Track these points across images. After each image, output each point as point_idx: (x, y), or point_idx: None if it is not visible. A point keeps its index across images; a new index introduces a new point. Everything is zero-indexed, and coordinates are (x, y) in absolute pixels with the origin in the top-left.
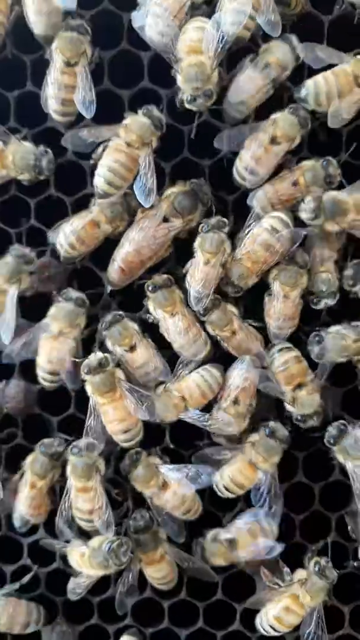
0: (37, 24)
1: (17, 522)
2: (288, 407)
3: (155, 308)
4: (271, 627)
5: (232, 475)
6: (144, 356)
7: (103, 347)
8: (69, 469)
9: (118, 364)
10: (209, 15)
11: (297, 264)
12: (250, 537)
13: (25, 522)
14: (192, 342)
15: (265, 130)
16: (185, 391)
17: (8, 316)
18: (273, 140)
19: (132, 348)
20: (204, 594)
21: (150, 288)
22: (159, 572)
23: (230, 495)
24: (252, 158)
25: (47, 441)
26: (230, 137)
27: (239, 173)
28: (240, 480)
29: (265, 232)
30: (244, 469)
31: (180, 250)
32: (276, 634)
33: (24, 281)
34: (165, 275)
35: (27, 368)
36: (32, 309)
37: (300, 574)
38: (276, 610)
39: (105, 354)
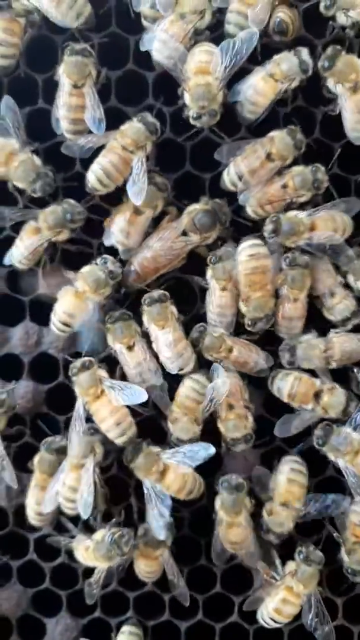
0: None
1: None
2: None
3: (148, 321)
4: (272, 619)
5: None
6: (139, 357)
7: None
8: (68, 446)
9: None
10: (212, 40)
11: (300, 266)
12: None
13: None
14: (178, 355)
15: (263, 145)
16: (180, 403)
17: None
18: (268, 156)
19: (130, 347)
20: (204, 587)
21: (146, 301)
22: (149, 567)
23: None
24: (247, 168)
25: (49, 439)
26: (230, 151)
27: (231, 178)
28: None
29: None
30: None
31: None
32: (278, 625)
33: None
34: (161, 291)
35: (36, 369)
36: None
37: (291, 565)
38: (274, 602)
39: (90, 358)
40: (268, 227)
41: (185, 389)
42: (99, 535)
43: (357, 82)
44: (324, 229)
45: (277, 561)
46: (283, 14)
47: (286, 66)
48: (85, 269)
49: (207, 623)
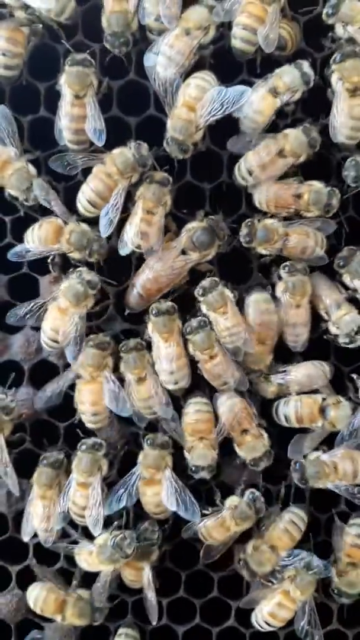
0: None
1: (27, 537)
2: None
3: (153, 331)
4: (266, 622)
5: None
6: (150, 391)
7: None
8: (74, 462)
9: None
10: (215, 54)
11: (300, 272)
12: None
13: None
14: (177, 370)
15: (276, 141)
16: (191, 430)
17: None
18: (280, 153)
19: (141, 379)
20: (201, 592)
21: (153, 312)
22: (132, 576)
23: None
24: (257, 163)
25: (47, 454)
26: (241, 143)
27: (241, 173)
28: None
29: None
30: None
31: None
32: (271, 628)
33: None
34: (170, 303)
35: (36, 375)
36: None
37: (290, 570)
38: (270, 606)
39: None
40: (243, 230)
41: (192, 414)
42: (101, 539)
43: (357, 87)
44: (296, 240)
45: (277, 567)
46: (282, 29)
47: (288, 79)
48: (64, 284)
49: (204, 627)
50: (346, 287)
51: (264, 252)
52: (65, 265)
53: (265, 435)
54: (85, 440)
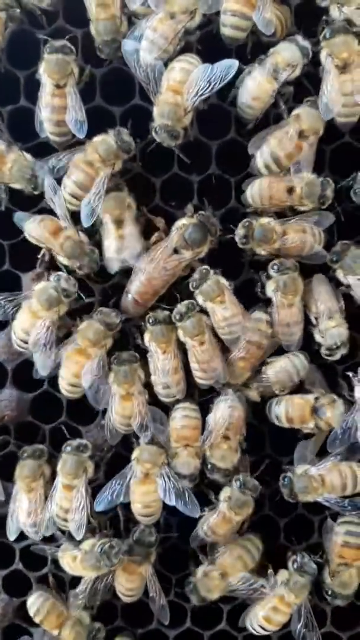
0: None
1: (13, 535)
2: None
3: (150, 341)
4: (261, 627)
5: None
6: (133, 410)
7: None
8: (59, 465)
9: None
10: (202, 39)
11: (290, 270)
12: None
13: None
14: (172, 384)
15: (291, 124)
16: (177, 436)
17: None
18: (300, 134)
19: (128, 395)
20: None
21: (150, 321)
22: (130, 583)
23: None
24: (282, 152)
25: (26, 447)
26: (261, 141)
27: (265, 160)
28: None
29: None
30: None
31: None
32: (266, 633)
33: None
34: (167, 312)
35: (20, 376)
36: None
37: (283, 574)
38: (264, 610)
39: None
40: (240, 231)
41: (179, 420)
42: (87, 545)
43: (347, 63)
44: (295, 238)
45: (270, 571)
46: (270, 11)
47: (288, 54)
48: (39, 286)
49: (195, 631)
50: (340, 283)
51: (263, 252)
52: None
53: (238, 455)
54: (70, 442)
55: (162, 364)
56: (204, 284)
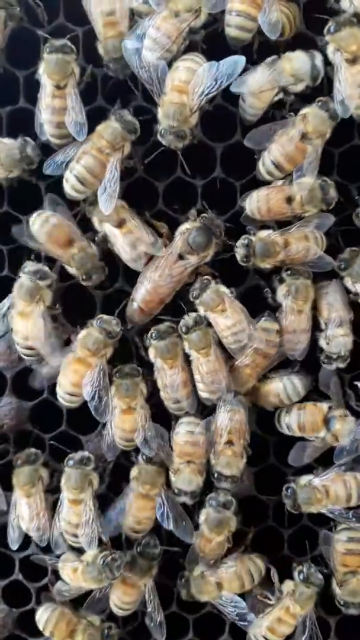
0: None
1: (15, 544)
2: None
3: (156, 357)
4: (264, 637)
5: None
6: (134, 425)
7: None
8: (63, 480)
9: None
10: (207, 39)
11: (302, 275)
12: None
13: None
14: (183, 399)
15: (295, 125)
16: (179, 451)
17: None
18: (304, 137)
19: (130, 408)
20: (194, 607)
21: (153, 335)
22: (128, 596)
23: None
24: (281, 154)
25: (19, 454)
26: (261, 135)
27: (267, 167)
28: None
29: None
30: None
31: None
32: None
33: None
34: (168, 324)
35: (19, 385)
36: None
37: (288, 585)
38: (269, 621)
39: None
40: (240, 251)
41: (182, 435)
42: (89, 556)
43: (357, 55)
44: (298, 246)
45: (276, 578)
46: (277, 12)
47: (297, 65)
48: (17, 283)
49: None
50: (348, 291)
51: (267, 267)
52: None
53: (244, 461)
54: (72, 455)
55: (170, 380)
56: (203, 294)
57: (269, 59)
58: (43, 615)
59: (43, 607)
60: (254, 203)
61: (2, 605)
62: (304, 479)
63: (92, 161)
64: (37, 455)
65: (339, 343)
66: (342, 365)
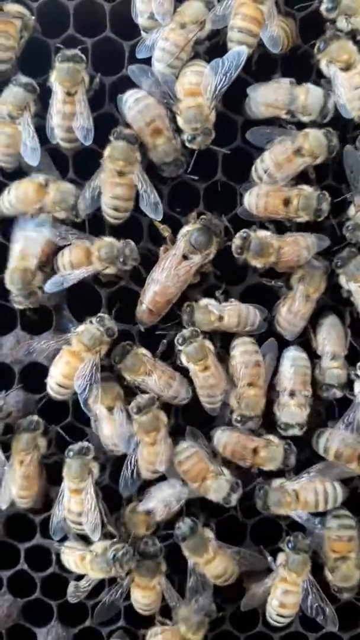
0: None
1: (4, 505)
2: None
3: (188, 362)
4: (279, 615)
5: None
6: (158, 455)
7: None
8: (64, 470)
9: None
10: (208, 51)
11: (320, 269)
12: None
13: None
14: (219, 392)
15: (295, 139)
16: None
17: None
18: (298, 151)
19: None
20: None
21: (180, 341)
22: (146, 598)
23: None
24: (273, 161)
25: (20, 421)
26: (261, 135)
27: (258, 173)
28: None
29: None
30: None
31: None
32: (287, 620)
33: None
34: (191, 328)
35: (26, 378)
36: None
37: (281, 557)
38: (276, 598)
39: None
40: (236, 241)
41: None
42: (98, 547)
43: (349, 63)
44: (290, 252)
45: (270, 558)
46: (277, 27)
47: (311, 99)
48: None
49: None
50: (340, 287)
51: (258, 265)
52: None
53: (264, 400)
54: (72, 447)
55: (204, 382)
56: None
57: (291, 80)
58: None
59: None
60: (253, 198)
61: (7, 595)
62: (278, 482)
63: (118, 189)
64: (38, 423)
65: (332, 375)
66: (339, 394)
